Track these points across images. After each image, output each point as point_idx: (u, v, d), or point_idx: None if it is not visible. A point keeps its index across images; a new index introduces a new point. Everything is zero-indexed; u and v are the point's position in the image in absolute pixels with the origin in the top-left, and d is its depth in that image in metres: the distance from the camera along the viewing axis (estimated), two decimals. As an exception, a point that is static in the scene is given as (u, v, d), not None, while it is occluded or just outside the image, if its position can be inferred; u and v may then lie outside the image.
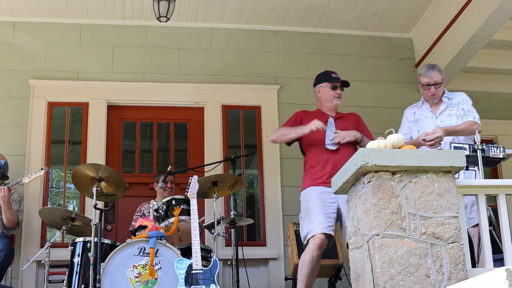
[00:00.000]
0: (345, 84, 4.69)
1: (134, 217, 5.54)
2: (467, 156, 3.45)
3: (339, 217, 4.40)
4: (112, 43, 6.56)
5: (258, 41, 6.80)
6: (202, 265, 4.26)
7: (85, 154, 6.17)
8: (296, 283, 4.61)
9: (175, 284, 4.21)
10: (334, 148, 4.44)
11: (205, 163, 6.04)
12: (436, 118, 4.46)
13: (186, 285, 4.16)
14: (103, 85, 6.42)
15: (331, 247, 4.66)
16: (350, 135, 4.44)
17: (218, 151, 6.33)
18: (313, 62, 6.80)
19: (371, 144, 3.41)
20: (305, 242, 4.37)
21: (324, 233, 4.24)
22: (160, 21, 5.92)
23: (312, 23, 6.79)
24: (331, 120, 4.58)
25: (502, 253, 3.33)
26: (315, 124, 4.37)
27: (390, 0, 6.44)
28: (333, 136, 4.44)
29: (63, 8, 6.35)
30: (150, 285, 4.26)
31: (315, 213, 4.30)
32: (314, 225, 4.26)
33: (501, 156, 3.64)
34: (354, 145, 4.51)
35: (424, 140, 4.21)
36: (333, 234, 4.33)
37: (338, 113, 4.68)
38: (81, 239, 4.66)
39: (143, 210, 5.52)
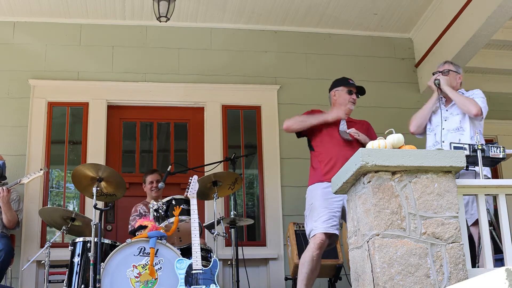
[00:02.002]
0: (360, 91, 4.75)
1: (131, 217, 5.53)
2: (467, 156, 3.45)
3: (344, 214, 4.39)
4: (112, 43, 6.56)
5: (258, 41, 6.80)
6: (202, 265, 4.26)
7: (85, 154, 6.17)
8: (296, 283, 4.61)
9: (175, 284, 4.21)
10: (348, 138, 4.47)
11: (205, 163, 6.04)
12: (447, 110, 4.51)
13: (186, 285, 4.16)
14: (103, 85, 6.42)
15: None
16: (363, 136, 4.51)
17: (218, 151, 6.33)
18: (313, 62, 6.80)
19: (371, 144, 3.41)
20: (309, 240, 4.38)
21: (325, 233, 4.24)
22: (160, 21, 5.92)
23: (312, 23, 6.79)
24: (343, 122, 4.62)
25: (502, 253, 3.32)
26: (339, 114, 4.47)
27: (390, 0, 6.44)
28: (349, 130, 4.50)
29: (63, 8, 6.35)
30: (150, 285, 4.26)
31: (318, 212, 4.30)
32: (317, 224, 4.27)
33: (501, 156, 3.64)
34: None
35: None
36: (337, 233, 4.33)
37: (350, 119, 4.72)
38: (81, 239, 4.66)
39: (139, 210, 5.52)
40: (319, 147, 4.57)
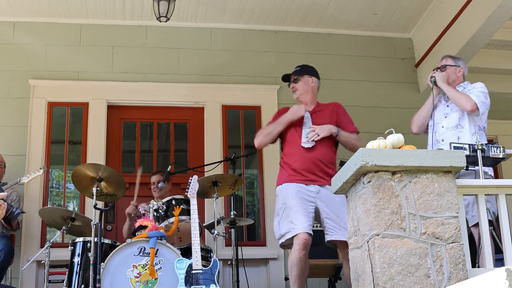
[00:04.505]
0: (284, 78, 4.73)
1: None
2: (467, 156, 3.45)
3: (317, 218, 4.33)
4: (112, 43, 6.56)
5: (258, 41, 6.80)
6: (202, 265, 4.26)
7: (85, 154, 6.17)
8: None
9: (175, 284, 4.21)
10: (310, 146, 4.37)
11: (205, 163, 6.04)
12: (448, 106, 4.47)
13: (186, 285, 4.16)
14: (103, 85, 6.42)
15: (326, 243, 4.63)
16: (324, 130, 4.38)
17: (218, 151, 6.34)
18: (313, 62, 6.73)
19: (371, 144, 3.41)
20: (283, 240, 4.27)
21: (307, 233, 4.14)
22: (160, 21, 5.92)
23: (312, 23, 6.79)
24: (307, 115, 4.51)
25: (502, 253, 3.32)
26: (299, 111, 4.39)
27: (390, 0, 6.44)
28: (308, 133, 4.40)
29: (63, 8, 6.35)
30: (150, 285, 4.26)
31: (295, 212, 4.20)
32: (296, 224, 4.17)
33: (501, 156, 3.64)
34: (330, 140, 4.45)
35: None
36: (312, 234, 4.22)
37: (318, 105, 4.62)
38: (81, 239, 4.66)
39: (140, 210, 5.51)
40: (286, 148, 4.50)
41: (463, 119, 4.35)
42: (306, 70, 4.70)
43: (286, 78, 4.73)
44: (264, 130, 4.63)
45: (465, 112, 4.33)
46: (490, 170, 4.09)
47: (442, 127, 4.39)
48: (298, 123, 4.49)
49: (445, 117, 4.43)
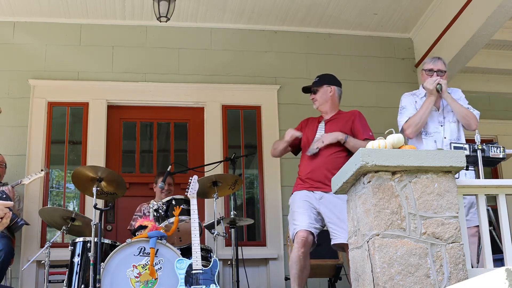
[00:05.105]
0: (305, 89, 4.80)
1: (134, 216, 5.54)
2: (467, 156, 3.45)
3: (323, 221, 4.42)
4: (112, 43, 6.56)
5: (258, 41, 6.80)
6: (202, 265, 4.26)
7: (85, 154, 6.17)
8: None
9: (175, 284, 4.21)
10: (311, 154, 4.48)
11: (205, 163, 6.04)
12: (440, 113, 4.46)
13: (186, 285, 4.16)
14: (103, 85, 6.42)
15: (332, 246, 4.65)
16: (329, 138, 4.45)
17: (218, 151, 6.33)
18: (313, 62, 6.80)
19: (371, 144, 3.41)
20: (293, 243, 4.42)
21: (306, 231, 4.26)
22: (160, 21, 5.92)
23: (312, 23, 6.79)
24: (321, 124, 4.65)
25: (502, 253, 3.32)
26: (289, 134, 4.58)
27: (390, 0, 6.44)
28: (315, 141, 4.51)
29: (63, 8, 6.35)
30: (150, 285, 4.26)
31: (297, 213, 4.38)
32: (296, 224, 4.33)
33: (501, 156, 3.64)
34: (340, 147, 4.48)
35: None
36: (315, 233, 4.32)
37: (337, 113, 4.68)
38: (81, 239, 4.66)
39: (143, 210, 5.51)
40: (301, 159, 4.68)
41: (460, 130, 4.41)
42: (324, 80, 4.75)
43: (306, 90, 4.78)
44: (274, 144, 4.85)
45: (460, 123, 4.36)
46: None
47: (445, 138, 4.36)
48: (311, 135, 4.60)
49: (441, 125, 4.41)
